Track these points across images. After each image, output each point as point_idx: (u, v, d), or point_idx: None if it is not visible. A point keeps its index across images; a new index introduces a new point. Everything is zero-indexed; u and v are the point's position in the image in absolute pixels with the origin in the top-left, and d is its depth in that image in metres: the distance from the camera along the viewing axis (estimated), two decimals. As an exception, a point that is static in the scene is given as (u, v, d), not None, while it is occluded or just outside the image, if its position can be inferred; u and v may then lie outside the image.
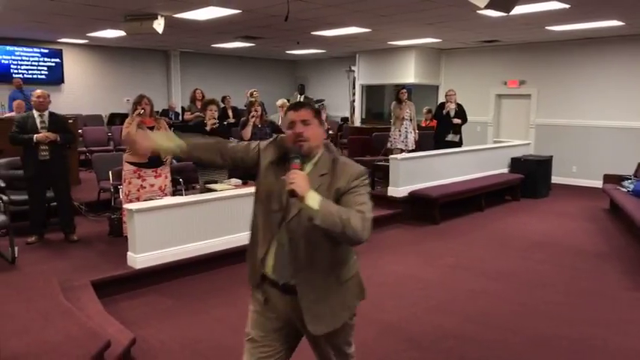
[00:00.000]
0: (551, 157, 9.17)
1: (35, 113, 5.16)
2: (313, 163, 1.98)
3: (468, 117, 8.58)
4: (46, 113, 5.19)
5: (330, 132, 11.83)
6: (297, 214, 1.90)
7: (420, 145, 8.44)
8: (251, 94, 9.06)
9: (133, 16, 7.53)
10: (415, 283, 4.67)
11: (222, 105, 9.79)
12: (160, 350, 3.37)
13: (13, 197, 5.22)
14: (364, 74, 12.68)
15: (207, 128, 5.58)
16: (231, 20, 7.91)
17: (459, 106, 8.44)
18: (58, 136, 5.11)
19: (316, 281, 1.96)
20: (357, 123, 12.73)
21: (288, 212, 1.94)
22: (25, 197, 5.34)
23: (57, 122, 5.23)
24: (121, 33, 9.01)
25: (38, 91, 5.26)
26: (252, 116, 5.99)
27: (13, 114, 8.68)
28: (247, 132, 5.94)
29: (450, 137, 8.42)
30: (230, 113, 9.60)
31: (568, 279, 4.83)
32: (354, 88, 13.22)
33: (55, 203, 5.43)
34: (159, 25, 7.53)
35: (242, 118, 8.21)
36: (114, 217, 5.49)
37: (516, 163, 8.95)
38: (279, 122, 6.92)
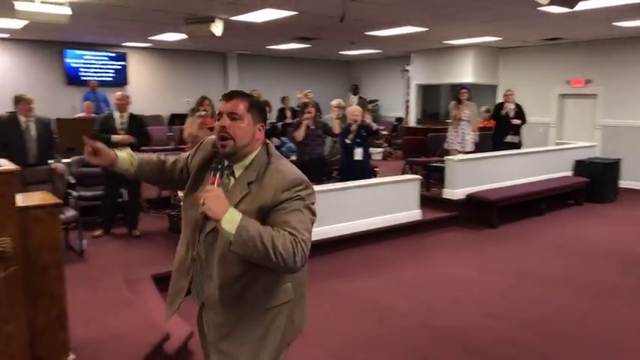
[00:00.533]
0: (619, 159, 8.69)
1: (116, 114, 5.44)
2: (244, 166, 1.68)
3: (527, 118, 8.29)
4: (126, 114, 5.44)
5: (384, 132, 11.74)
6: (214, 228, 1.63)
7: (477, 146, 8.22)
8: (305, 95, 9.13)
9: (193, 19, 7.78)
10: (471, 288, 4.55)
11: (281, 105, 10.15)
12: (216, 344, 3.45)
13: (82, 193, 5.51)
14: (419, 74, 12.49)
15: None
16: (288, 22, 8.00)
17: (518, 107, 8.18)
18: (134, 139, 5.30)
19: (227, 305, 1.68)
20: (412, 123, 12.56)
21: (204, 225, 1.69)
22: (92, 193, 5.64)
23: (135, 123, 5.49)
24: (181, 36, 9.34)
25: (118, 94, 5.55)
26: (305, 118, 6.03)
27: (83, 114, 9.22)
28: (300, 133, 5.97)
29: (510, 138, 8.18)
30: (288, 114, 9.77)
31: (636, 289, 4.56)
32: (408, 87, 13.07)
33: (120, 199, 5.69)
34: (217, 28, 7.74)
35: (295, 119, 8.30)
36: (173, 213, 5.67)
37: (581, 166, 8.55)
38: (332, 123, 6.92)
